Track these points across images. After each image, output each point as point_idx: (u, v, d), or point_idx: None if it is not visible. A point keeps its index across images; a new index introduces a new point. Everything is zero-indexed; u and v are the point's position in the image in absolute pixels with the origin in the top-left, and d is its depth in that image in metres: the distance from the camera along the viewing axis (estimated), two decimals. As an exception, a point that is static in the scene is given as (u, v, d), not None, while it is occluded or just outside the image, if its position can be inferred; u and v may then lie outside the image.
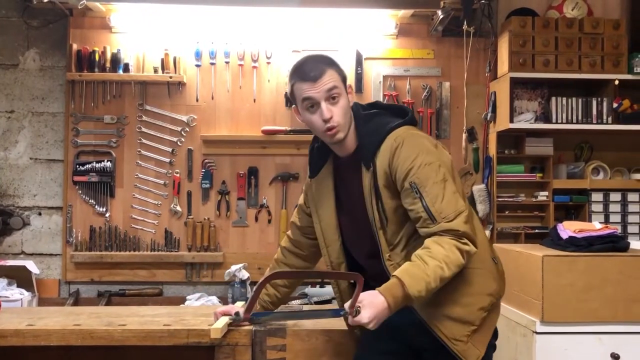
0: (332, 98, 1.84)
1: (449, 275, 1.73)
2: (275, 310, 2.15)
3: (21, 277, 3.55)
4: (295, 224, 2.17)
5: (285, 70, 3.77)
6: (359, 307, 1.71)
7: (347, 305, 1.75)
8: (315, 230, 2.04)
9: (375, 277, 1.85)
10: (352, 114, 1.91)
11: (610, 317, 3.00)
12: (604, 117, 3.60)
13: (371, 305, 1.70)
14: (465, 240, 1.76)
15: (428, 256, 1.72)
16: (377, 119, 1.93)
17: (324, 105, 1.83)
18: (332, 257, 2.01)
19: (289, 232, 2.21)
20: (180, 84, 3.77)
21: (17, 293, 3.43)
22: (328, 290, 3.44)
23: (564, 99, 3.61)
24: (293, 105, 1.94)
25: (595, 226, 3.17)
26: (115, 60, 3.72)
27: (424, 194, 1.77)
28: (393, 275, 1.74)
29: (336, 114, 1.84)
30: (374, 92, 3.79)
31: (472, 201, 3.76)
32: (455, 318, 1.84)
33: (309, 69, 1.85)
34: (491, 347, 1.94)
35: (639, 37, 3.79)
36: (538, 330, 3.00)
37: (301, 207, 2.15)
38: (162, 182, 3.78)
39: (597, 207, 3.71)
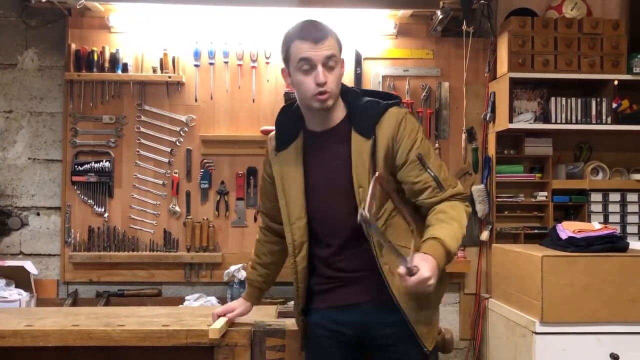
0: (329, 65, 1.81)
1: (464, 234, 1.83)
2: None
3: (19, 278, 3.54)
4: (262, 212, 2.17)
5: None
6: (416, 266, 1.64)
7: (408, 259, 1.66)
8: (280, 206, 1.97)
9: (342, 257, 1.85)
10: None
11: (610, 318, 3.01)
12: (603, 117, 3.60)
13: (426, 260, 1.67)
14: (467, 203, 1.90)
15: (450, 218, 1.79)
16: (366, 96, 1.94)
17: (320, 68, 1.80)
18: (295, 235, 1.94)
19: (258, 216, 2.22)
20: (179, 84, 3.76)
21: (16, 294, 3.42)
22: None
23: (563, 99, 3.61)
24: (282, 67, 1.91)
25: (595, 226, 3.18)
26: (114, 60, 3.71)
27: (430, 165, 1.84)
28: (430, 238, 1.74)
29: (330, 81, 1.81)
30: (373, 92, 3.78)
31: (471, 201, 3.76)
32: (423, 300, 1.84)
33: (312, 30, 1.83)
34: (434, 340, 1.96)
35: (638, 37, 3.78)
36: (537, 331, 3.00)
37: (262, 192, 2.12)
38: (160, 182, 3.77)
39: (597, 208, 3.71)
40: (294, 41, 1.83)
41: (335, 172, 1.89)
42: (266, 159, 2.05)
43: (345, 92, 1.92)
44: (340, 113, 1.90)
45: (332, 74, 1.82)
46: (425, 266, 1.65)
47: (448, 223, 1.78)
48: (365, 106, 1.89)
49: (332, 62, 1.81)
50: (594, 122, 3.60)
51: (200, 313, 2.45)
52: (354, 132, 1.86)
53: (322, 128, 1.91)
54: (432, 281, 1.65)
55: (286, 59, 1.87)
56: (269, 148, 2.02)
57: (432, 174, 1.83)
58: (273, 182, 2.00)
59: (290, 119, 1.97)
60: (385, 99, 1.92)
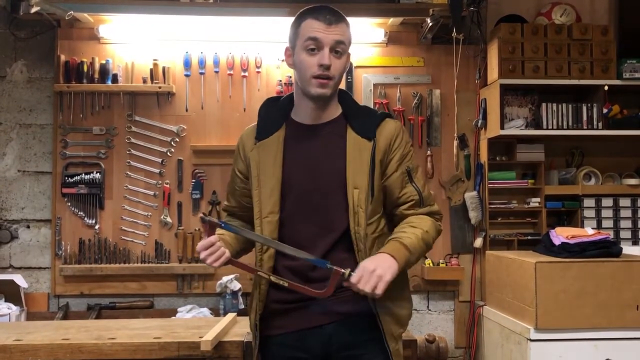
0: (336, 51, 1.75)
1: (431, 242, 1.82)
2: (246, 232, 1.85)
3: (9, 292, 3.51)
4: (224, 209, 2.03)
5: (274, 79, 3.77)
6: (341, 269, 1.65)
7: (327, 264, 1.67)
8: (253, 198, 1.84)
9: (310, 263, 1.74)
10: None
11: (605, 323, 3.00)
12: (594, 122, 3.61)
13: (371, 259, 1.69)
14: (440, 223, 1.90)
15: (414, 226, 1.80)
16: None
17: (327, 51, 1.73)
18: (265, 231, 1.80)
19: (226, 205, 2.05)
20: (170, 94, 3.75)
21: (5, 308, 3.38)
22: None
23: (554, 105, 3.62)
24: (286, 46, 1.83)
25: (588, 232, 3.18)
26: (104, 71, 3.69)
27: (415, 180, 1.85)
28: (388, 240, 1.77)
29: (335, 68, 1.75)
30: (364, 101, 3.78)
31: (464, 208, 3.76)
32: (397, 317, 1.82)
33: (327, 12, 1.76)
34: None
35: (627, 42, 3.81)
36: (532, 338, 2.99)
37: (230, 189, 2.00)
38: (152, 193, 3.74)
39: (589, 213, 3.71)
40: (307, 19, 1.76)
41: (321, 169, 1.79)
42: (237, 154, 1.96)
43: (340, 92, 1.88)
44: (334, 110, 1.84)
45: (339, 62, 1.76)
46: (368, 262, 1.67)
47: (410, 227, 1.79)
48: (364, 109, 1.89)
49: (340, 49, 1.75)
50: (585, 127, 3.61)
51: (193, 325, 2.43)
52: (351, 131, 1.80)
53: (314, 122, 1.83)
54: (378, 272, 1.63)
55: (294, 35, 1.80)
56: (243, 141, 1.93)
57: (417, 189, 1.84)
58: (244, 178, 1.91)
59: (276, 108, 1.89)
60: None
